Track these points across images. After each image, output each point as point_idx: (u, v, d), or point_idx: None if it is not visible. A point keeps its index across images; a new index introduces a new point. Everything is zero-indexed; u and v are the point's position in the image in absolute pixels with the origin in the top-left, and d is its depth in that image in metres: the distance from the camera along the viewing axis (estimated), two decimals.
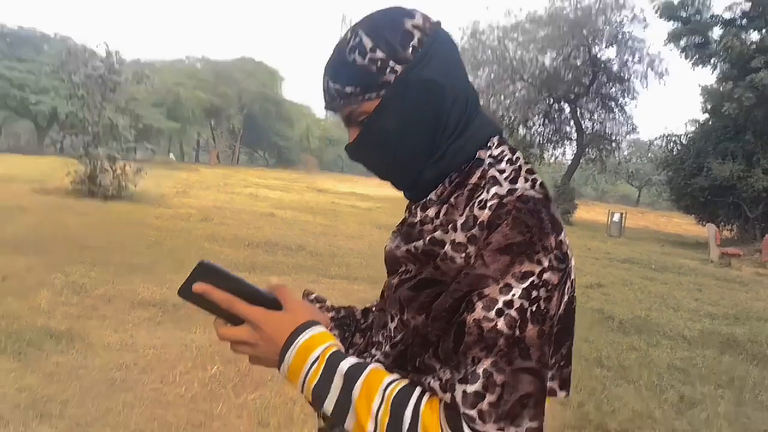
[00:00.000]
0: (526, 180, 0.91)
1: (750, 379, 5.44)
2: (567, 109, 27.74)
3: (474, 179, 0.93)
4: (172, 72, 47.18)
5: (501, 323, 0.80)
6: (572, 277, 0.90)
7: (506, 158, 0.95)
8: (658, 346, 6.40)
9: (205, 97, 46.82)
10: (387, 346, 0.98)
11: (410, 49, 0.92)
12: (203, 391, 4.06)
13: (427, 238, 0.92)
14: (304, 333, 0.92)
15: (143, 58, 45.42)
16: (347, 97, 0.93)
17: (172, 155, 50.70)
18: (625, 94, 26.43)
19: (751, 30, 21.76)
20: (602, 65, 25.64)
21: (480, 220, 0.86)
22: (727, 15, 22.86)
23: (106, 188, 13.94)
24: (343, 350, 0.93)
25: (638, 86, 26.35)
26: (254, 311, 0.93)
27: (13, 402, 3.57)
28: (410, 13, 0.95)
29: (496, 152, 0.96)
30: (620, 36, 24.95)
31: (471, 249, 0.85)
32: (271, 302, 0.95)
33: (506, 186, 0.89)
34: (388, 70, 0.91)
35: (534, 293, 0.82)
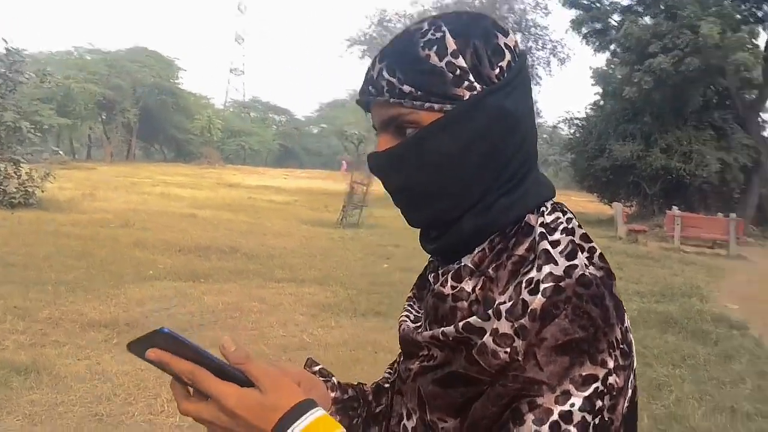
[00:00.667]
0: (584, 252, 0.75)
1: (699, 357, 5.83)
2: None
3: (520, 250, 0.77)
4: (61, 65, 44.49)
5: None
6: (635, 365, 0.75)
7: (561, 227, 0.77)
8: None
9: (97, 90, 44.47)
10: None
11: (497, 69, 0.77)
12: None
13: (461, 324, 0.74)
14: (302, 418, 0.70)
15: (28, 51, 42.50)
16: (402, 95, 0.76)
17: (61, 153, 47.81)
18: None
19: (648, 16, 23.02)
20: None
21: (531, 308, 0.69)
22: (626, 2, 24.11)
23: (12, 196, 13.00)
24: None
25: (541, 72, 27.18)
26: (224, 388, 0.71)
27: None
28: (503, 29, 0.81)
29: (548, 219, 0.78)
30: (524, 23, 25.75)
31: (519, 343, 0.69)
32: (240, 381, 0.73)
33: (562, 263, 0.72)
34: (465, 83, 0.76)
35: (598, 403, 0.67)
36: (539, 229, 0.76)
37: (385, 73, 0.77)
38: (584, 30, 24.65)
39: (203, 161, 48.74)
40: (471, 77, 0.76)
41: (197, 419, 0.74)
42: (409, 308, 0.94)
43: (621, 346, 0.69)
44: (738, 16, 20.56)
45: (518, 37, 26.53)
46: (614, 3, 24.36)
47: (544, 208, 0.80)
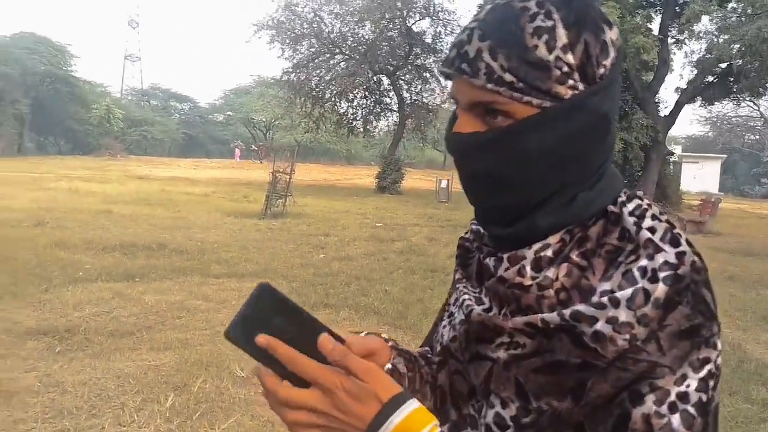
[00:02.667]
0: (682, 240, 0.75)
1: None
2: (386, 81, 28.46)
3: (612, 239, 0.77)
4: None
5: (675, 420, 0.69)
6: None
7: (649, 213, 0.78)
8: None
9: None
10: None
11: (602, 69, 0.75)
12: (171, 426, 3.76)
13: (567, 313, 0.73)
14: (400, 409, 0.70)
15: None
16: (501, 83, 0.72)
17: None
18: (439, 65, 27.61)
19: None
20: (417, 37, 26.57)
21: (655, 296, 0.70)
22: None
23: None
24: None
25: None
26: (329, 374, 0.71)
27: None
28: (609, 21, 0.77)
29: (631, 207, 0.79)
30: (432, 8, 25.98)
31: (639, 330, 0.70)
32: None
33: (671, 250, 0.73)
34: (570, 82, 0.73)
35: (711, 382, 0.71)
36: (630, 219, 0.77)
37: (486, 55, 0.73)
38: None
39: (104, 153, 46.50)
40: (576, 76, 0.73)
41: (298, 405, 0.72)
42: (466, 290, 0.91)
43: (718, 326, 0.74)
44: (632, 1, 21.55)
45: (427, 22, 26.87)
46: None
47: (621, 197, 0.80)
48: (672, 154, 29.09)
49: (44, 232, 10.48)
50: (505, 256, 0.82)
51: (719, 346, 0.72)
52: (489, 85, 0.73)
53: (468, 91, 0.76)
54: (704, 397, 0.70)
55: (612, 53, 0.76)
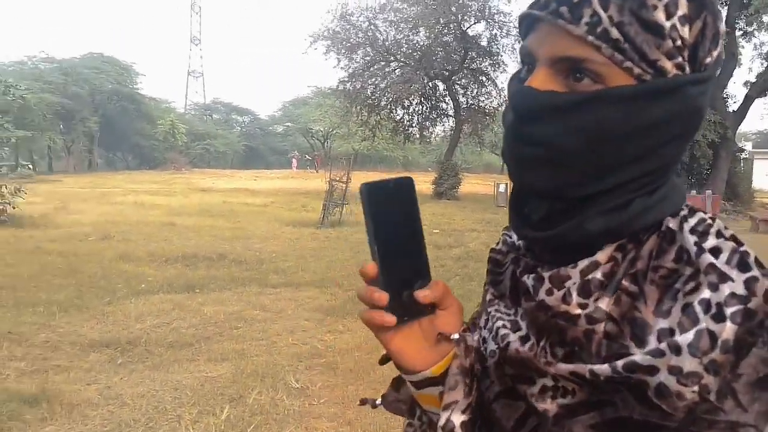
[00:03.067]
0: (753, 260, 0.63)
1: None
2: (441, 86, 28.30)
3: (667, 261, 0.65)
4: (15, 75, 43.23)
5: None
6: None
7: (713, 230, 0.65)
8: None
9: (55, 99, 43.37)
10: None
11: (709, 58, 0.65)
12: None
13: (620, 364, 0.61)
14: None
15: None
16: (606, 39, 0.62)
17: (30, 167, 46.50)
18: (496, 68, 27.36)
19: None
20: (472, 41, 26.32)
21: (723, 339, 0.58)
22: None
23: None
24: None
25: (507, 59, 27.17)
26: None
27: None
28: (719, 13, 0.68)
29: (693, 222, 0.66)
30: (487, 11, 25.70)
31: (710, 380, 0.58)
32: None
33: (739, 278, 0.60)
34: (678, 59, 0.63)
35: None
36: (691, 238, 0.64)
37: (596, 2, 0.62)
38: None
39: (170, 167, 47.93)
40: (686, 54, 0.63)
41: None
42: (498, 313, 0.78)
43: None
44: None
45: (482, 25, 26.62)
46: None
47: (683, 211, 0.68)
48: (742, 150, 27.92)
49: (110, 245, 10.81)
50: (547, 275, 0.70)
51: None
52: (590, 37, 0.62)
53: (558, 41, 0.65)
54: None
55: (720, 43, 0.66)
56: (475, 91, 28.29)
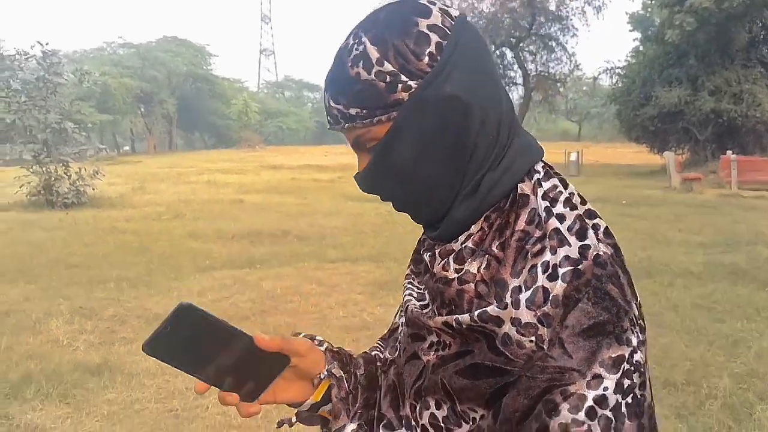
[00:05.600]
0: (593, 229, 0.72)
1: None
2: (509, 54, 27.78)
3: (521, 224, 0.75)
4: (96, 62, 45.33)
5: (595, 428, 0.65)
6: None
7: (562, 198, 0.75)
8: (673, 286, 6.53)
9: (134, 83, 45.20)
10: None
11: (426, 57, 0.73)
12: (270, 407, 3.91)
13: (476, 313, 0.72)
14: None
15: (63, 51, 43.34)
16: (351, 118, 0.75)
17: (107, 150, 48.82)
18: (565, 33, 26.62)
19: None
20: (539, 6, 25.62)
21: (553, 294, 0.68)
22: None
23: (64, 196, 13.30)
24: None
25: (577, 23, 26.38)
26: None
27: None
28: (424, 10, 0.75)
29: (546, 186, 0.77)
30: None
31: (543, 331, 0.68)
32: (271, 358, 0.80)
33: (575, 243, 0.70)
34: (400, 86, 0.73)
35: (627, 382, 0.66)
36: (543, 203, 0.75)
37: (332, 103, 0.77)
38: None
39: (244, 145, 49.19)
40: (403, 77, 0.73)
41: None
42: (411, 286, 0.92)
43: (639, 321, 0.70)
44: None
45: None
46: None
47: (537, 174, 0.78)
48: None
49: (181, 223, 11.29)
50: (437, 250, 0.83)
51: (634, 341, 0.68)
52: (346, 125, 0.77)
53: (346, 136, 0.80)
54: (622, 398, 0.66)
55: (434, 37, 0.74)
56: (545, 57, 27.66)
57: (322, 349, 0.94)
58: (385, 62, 0.73)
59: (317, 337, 0.96)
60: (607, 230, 0.73)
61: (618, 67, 26.11)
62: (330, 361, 0.92)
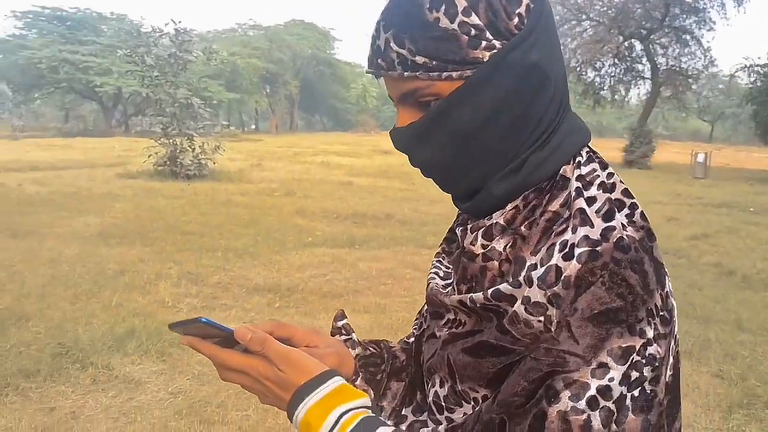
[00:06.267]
0: (624, 209, 0.68)
1: None
2: (638, 46, 26.41)
3: (554, 205, 0.71)
4: (227, 42, 47.48)
5: (595, 418, 0.61)
6: (676, 331, 0.69)
7: (598, 181, 0.71)
8: None
9: (261, 64, 47.00)
10: (443, 427, 0.77)
11: (516, 18, 0.68)
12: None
13: (490, 292, 0.69)
14: (319, 389, 0.70)
15: (197, 31, 45.86)
16: (415, 67, 0.68)
17: (232, 127, 51.25)
18: (701, 26, 24.96)
19: None
20: None
21: (566, 275, 0.64)
22: None
23: (187, 168, 14.09)
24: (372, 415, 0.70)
25: (715, 16, 24.69)
26: (248, 361, 0.74)
27: (173, 408, 3.58)
28: None
29: (585, 170, 0.72)
30: None
31: (552, 312, 0.64)
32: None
33: (599, 225, 0.66)
34: (483, 43, 0.67)
35: (635, 375, 0.62)
36: (575, 183, 0.70)
37: (393, 45, 0.69)
38: None
39: (360, 129, 50.06)
40: (488, 35, 0.67)
41: (237, 368, 0.76)
42: (438, 264, 0.90)
43: (661, 313, 0.64)
44: None
45: None
46: None
47: (580, 158, 0.74)
48: None
49: (291, 200, 11.66)
50: (469, 226, 0.79)
51: (649, 333, 0.63)
52: (406, 74, 0.69)
53: (393, 86, 0.73)
54: (626, 390, 0.62)
55: (521, 2, 0.68)
56: (677, 51, 26.08)
57: (354, 353, 0.94)
58: (473, 14, 0.67)
59: (353, 336, 0.96)
60: (643, 214, 0.69)
61: (757, 65, 24.26)
62: (356, 372, 0.92)
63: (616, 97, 28.33)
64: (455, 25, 0.66)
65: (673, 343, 0.67)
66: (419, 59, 0.68)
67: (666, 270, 0.68)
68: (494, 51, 0.67)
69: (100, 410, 3.51)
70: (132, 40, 16.28)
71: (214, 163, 14.76)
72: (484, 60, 0.67)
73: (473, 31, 0.67)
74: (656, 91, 25.70)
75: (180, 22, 14.13)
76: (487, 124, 0.70)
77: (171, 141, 14.12)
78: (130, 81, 30.67)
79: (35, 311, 4.91)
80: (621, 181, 0.72)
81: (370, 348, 0.97)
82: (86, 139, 33.43)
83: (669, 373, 0.68)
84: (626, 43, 26.33)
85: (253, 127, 60.79)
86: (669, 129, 65.13)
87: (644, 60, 26.74)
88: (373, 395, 0.91)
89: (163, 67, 14.01)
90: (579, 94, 28.46)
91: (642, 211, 0.69)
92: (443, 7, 0.66)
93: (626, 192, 0.70)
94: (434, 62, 0.67)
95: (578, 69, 26.55)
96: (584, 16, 25.74)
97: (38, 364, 3.94)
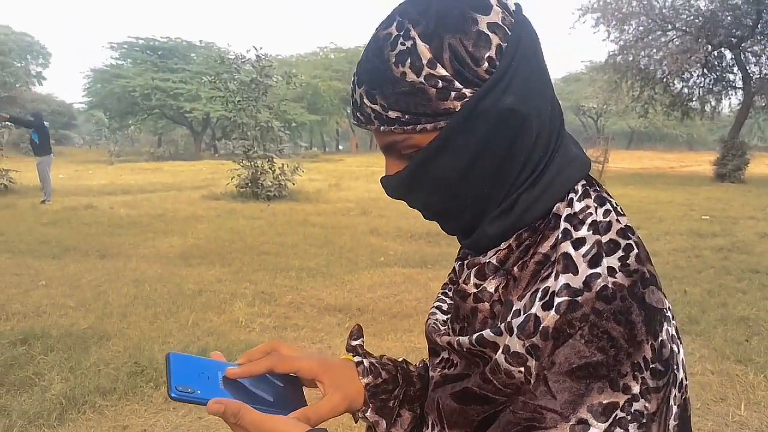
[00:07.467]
0: (618, 252, 0.63)
1: None
2: (729, 55, 25.21)
3: (545, 247, 0.68)
4: (309, 65, 48.66)
5: None
6: (681, 376, 0.64)
7: (590, 220, 0.67)
8: None
9: (341, 86, 47.86)
10: None
11: (485, 63, 0.65)
12: None
13: (474, 337, 0.68)
14: None
15: (281, 55, 47.36)
16: (390, 122, 0.68)
17: (315, 148, 52.33)
18: None
19: None
20: (767, 2, 22.97)
21: (543, 325, 0.61)
22: None
23: (268, 189, 14.46)
24: None
25: None
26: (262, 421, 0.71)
27: None
28: (483, 4, 0.67)
29: (578, 208, 0.68)
30: None
31: (532, 363, 0.62)
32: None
33: (583, 271, 0.62)
34: (453, 94, 0.65)
35: None
36: (563, 224, 0.67)
37: (366, 101, 0.69)
38: None
39: None
40: (457, 84, 0.65)
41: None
42: (443, 297, 0.89)
43: (652, 365, 0.60)
44: None
45: None
46: None
47: (573, 194, 0.71)
48: None
49: (366, 220, 11.76)
50: (466, 262, 0.79)
51: (635, 389, 0.59)
52: (382, 128, 0.70)
53: (377, 137, 0.74)
54: None
55: (494, 39, 0.66)
56: None
57: (364, 382, 0.89)
58: (438, 65, 0.65)
59: (365, 362, 0.91)
60: (638, 256, 0.64)
61: None
62: (366, 402, 0.88)
63: (706, 108, 27.08)
64: (422, 78, 0.65)
65: (675, 391, 0.64)
66: (392, 114, 0.68)
67: (668, 314, 0.64)
68: (465, 100, 0.66)
69: (170, 429, 3.61)
70: (217, 67, 16.93)
71: (293, 183, 15.09)
72: (456, 110, 0.66)
73: (440, 83, 0.65)
74: (749, 101, 24.38)
75: (261, 48, 14.64)
76: (470, 170, 0.69)
77: (252, 163, 14.55)
78: (216, 106, 31.97)
79: (116, 330, 5.14)
80: (619, 219, 0.68)
81: (384, 372, 0.92)
82: (176, 162, 34.92)
83: (674, 423, 0.64)
84: (715, 53, 25.20)
85: (335, 147, 61.88)
86: (765, 140, 61.63)
87: (735, 69, 25.48)
88: (385, 426, 0.88)
89: (245, 92, 14.50)
90: (666, 106, 27.42)
91: (638, 253, 0.65)
92: (408, 61, 0.65)
93: (623, 231, 0.66)
94: (407, 116, 0.67)
95: (665, 80, 25.60)
96: (670, 26, 24.79)
97: (115, 382, 4.11)
